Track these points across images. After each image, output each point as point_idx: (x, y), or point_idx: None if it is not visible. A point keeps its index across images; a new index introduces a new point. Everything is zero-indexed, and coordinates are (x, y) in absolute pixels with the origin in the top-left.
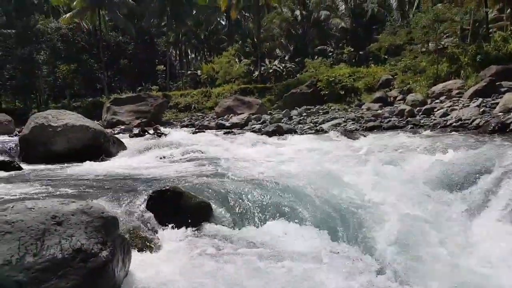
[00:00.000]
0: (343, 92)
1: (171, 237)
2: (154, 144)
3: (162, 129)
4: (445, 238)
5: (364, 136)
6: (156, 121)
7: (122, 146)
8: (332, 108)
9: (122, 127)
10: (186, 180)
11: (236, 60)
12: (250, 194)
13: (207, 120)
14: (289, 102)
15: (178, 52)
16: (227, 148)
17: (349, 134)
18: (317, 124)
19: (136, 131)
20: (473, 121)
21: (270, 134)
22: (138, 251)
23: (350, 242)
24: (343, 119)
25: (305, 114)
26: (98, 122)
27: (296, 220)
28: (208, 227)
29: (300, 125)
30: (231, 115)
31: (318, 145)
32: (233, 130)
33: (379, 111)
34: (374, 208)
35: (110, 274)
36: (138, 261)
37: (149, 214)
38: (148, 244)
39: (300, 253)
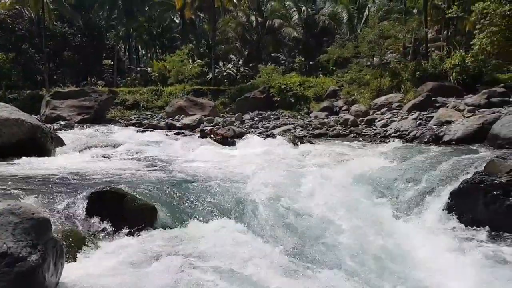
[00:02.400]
0: (293, 100)
1: (110, 241)
2: (96, 142)
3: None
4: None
5: (311, 142)
6: (100, 118)
7: (61, 143)
8: (283, 114)
9: (63, 122)
10: (129, 181)
11: (190, 60)
12: (196, 196)
13: (157, 120)
14: (242, 106)
15: (127, 47)
16: (176, 149)
17: (297, 140)
18: (268, 129)
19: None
20: (410, 132)
21: (221, 136)
22: (73, 255)
23: (285, 247)
24: (292, 125)
25: (257, 118)
26: (36, 117)
27: (238, 223)
28: (150, 230)
29: (252, 129)
30: (183, 115)
31: (267, 149)
32: (184, 131)
33: (326, 120)
34: (309, 211)
35: (40, 279)
36: (73, 266)
37: (87, 216)
38: (85, 248)
39: (241, 258)
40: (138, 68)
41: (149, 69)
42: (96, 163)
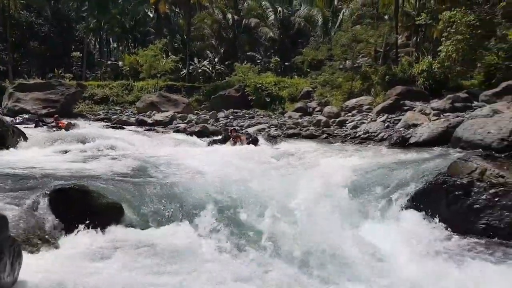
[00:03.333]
0: (268, 99)
1: (73, 240)
2: (61, 137)
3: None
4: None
5: (285, 141)
6: (67, 112)
7: (23, 137)
8: (257, 113)
9: (26, 116)
10: (95, 178)
11: (163, 55)
12: (165, 195)
13: (126, 115)
14: (216, 103)
15: (98, 40)
16: (146, 146)
17: (271, 139)
18: (243, 128)
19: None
20: (378, 134)
21: (195, 134)
22: (32, 254)
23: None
24: (267, 124)
25: (232, 117)
26: None
27: (202, 223)
28: (117, 230)
29: (226, 127)
30: (154, 112)
31: (239, 148)
32: (155, 127)
33: (299, 120)
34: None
35: None
36: (31, 265)
37: (48, 214)
38: (45, 246)
39: (203, 259)
40: (109, 62)
41: (120, 63)
42: (60, 158)
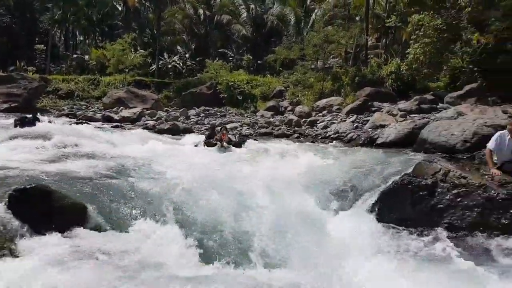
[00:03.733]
0: (240, 98)
1: (34, 243)
2: (22, 133)
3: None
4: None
5: (256, 140)
6: (29, 107)
7: None
8: (230, 111)
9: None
10: (58, 177)
11: (132, 49)
12: (131, 195)
13: (92, 111)
14: (187, 101)
15: (64, 32)
16: (112, 143)
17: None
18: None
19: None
20: (347, 134)
21: (164, 132)
22: None
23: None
24: (239, 123)
25: (203, 114)
26: None
27: (169, 223)
28: (81, 231)
29: (197, 125)
30: (122, 108)
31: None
32: (122, 124)
33: (271, 119)
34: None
35: None
36: None
37: (8, 216)
38: (4, 249)
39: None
40: (75, 55)
41: (87, 56)
42: (20, 157)
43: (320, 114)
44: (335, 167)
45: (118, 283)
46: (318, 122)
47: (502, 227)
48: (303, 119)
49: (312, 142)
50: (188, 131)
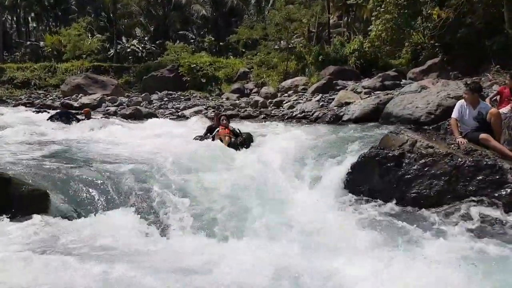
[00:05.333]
0: (204, 80)
1: None
2: None
3: None
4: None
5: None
6: None
7: None
8: (194, 95)
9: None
10: (17, 164)
11: (88, 34)
12: (93, 181)
13: (51, 99)
14: (149, 85)
15: (15, 19)
16: (72, 130)
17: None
18: (179, 110)
19: None
20: (313, 113)
21: (127, 117)
22: None
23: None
24: (204, 106)
25: (166, 99)
26: None
27: (134, 210)
28: (42, 219)
29: (161, 110)
30: (81, 95)
31: (176, 130)
32: (83, 111)
33: (237, 101)
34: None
35: None
36: None
37: None
38: None
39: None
40: (28, 42)
41: (42, 43)
42: None
43: (286, 95)
44: (303, 144)
45: (80, 271)
46: (284, 102)
47: (469, 193)
48: (269, 100)
49: (279, 122)
50: (151, 115)
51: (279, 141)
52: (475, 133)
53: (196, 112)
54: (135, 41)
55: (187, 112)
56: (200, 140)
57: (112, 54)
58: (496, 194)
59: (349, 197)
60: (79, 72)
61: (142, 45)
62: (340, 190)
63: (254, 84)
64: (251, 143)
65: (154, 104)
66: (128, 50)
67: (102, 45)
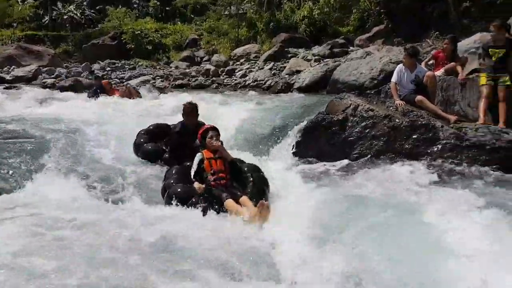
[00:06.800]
0: (150, 48)
1: None
2: None
3: None
4: None
5: (172, 93)
6: None
7: None
8: (139, 64)
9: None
10: None
11: (19, 0)
12: (34, 154)
13: None
14: (90, 54)
15: None
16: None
17: (157, 90)
18: (124, 80)
19: None
20: (266, 82)
21: (66, 89)
22: None
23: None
24: (151, 76)
25: (109, 68)
26: None
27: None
28: None
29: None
30: (13, 66)
31: (117, 100)
32: (17, 85)
33: (187, 70)
34: None
35: None
36: None
37: None
38: None
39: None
40: None
41: None
42: None
43: (238, 63)
44: (256, 113)
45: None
46: (236, 71)
47: (405, 152)
48: (221, 69)
49: (231, 91)
50: (93, 86)
51: (231, 112)
52: (412, 95)
53: (143, 82)
54: (72, 7)
55: (133, 82)
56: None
57: (47, 21)
58: (429, 151)
59: (298, 162)
60: (10, 42)
61: (81, 10)
62: (289, 158)
63: (204, 52)
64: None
65: (96, 74)
66: (65, 16)
67: (35, 11)
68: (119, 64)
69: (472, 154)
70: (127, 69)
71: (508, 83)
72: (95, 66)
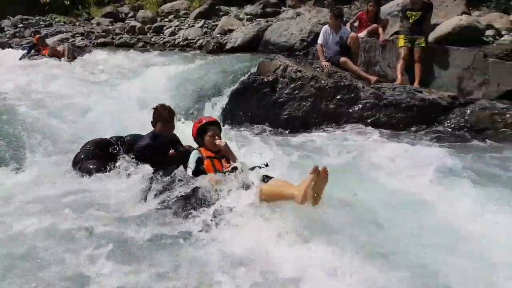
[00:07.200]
0: (68, 2)
1: None
2: None
3: None
4: None
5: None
6: None
7: None
8: (56, 20)
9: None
10: None
11: None
12: None
13: None
14: None
15: None
16: None
17: (78, 50)
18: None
19: None
20: (197, 40)
21: None
22: None
23: None
24: (70, 33)
25: (22, 25)
26: None
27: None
28: None
29: (16, 39)
30: None
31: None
32: None
33: (110, 27)
34: None
35: None
36: None
37: None
38: None
39: None
40: None
41: None
42: None
43: (167, 20)
44: (187, 74)
45: None
46: (164, 28)
47: (329, 111)
48: (148, 26)
49: (160, 50)
50: (4, 45)
51: (159, 73)
52: (337, 56)
53: (61, 41)
54: None
55: (49, 41)
56: None
57: None
58: (350, 110)
59: (229, 126)
60: None
61: None
62: (220, 117)
63: (129, 7)
64: None
65: (7, 32)
66: None
67: None
68: (33, 21)
69: (389, 112)
70: (43, 26)
71: (423, 44)
72: (5, 22)
